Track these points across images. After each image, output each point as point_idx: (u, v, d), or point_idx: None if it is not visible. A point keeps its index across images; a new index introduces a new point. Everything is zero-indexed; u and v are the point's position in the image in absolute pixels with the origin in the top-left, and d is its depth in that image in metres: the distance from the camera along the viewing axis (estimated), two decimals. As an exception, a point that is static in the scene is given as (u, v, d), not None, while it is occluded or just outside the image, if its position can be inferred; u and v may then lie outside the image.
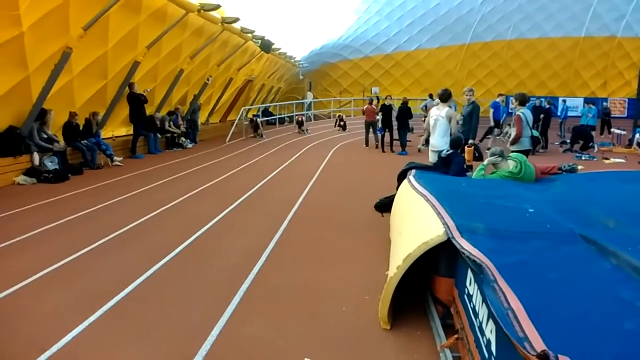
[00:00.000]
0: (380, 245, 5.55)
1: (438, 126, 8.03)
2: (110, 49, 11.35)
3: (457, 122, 8.70)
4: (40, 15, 8.78)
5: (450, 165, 6.54)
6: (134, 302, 4.14)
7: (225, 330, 3.64)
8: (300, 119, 23.07)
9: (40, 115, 10.17)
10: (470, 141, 8.13)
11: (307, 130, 22.48)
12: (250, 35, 18.18)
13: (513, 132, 8.34)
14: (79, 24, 9.83)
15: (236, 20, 15.71)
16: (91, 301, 4.08)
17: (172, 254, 5.37)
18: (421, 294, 4.11)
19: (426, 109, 17.50)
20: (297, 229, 6.55)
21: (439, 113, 8.06)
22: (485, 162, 5.98)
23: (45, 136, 10.26)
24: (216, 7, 13.69)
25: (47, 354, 3.28)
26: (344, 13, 32.85)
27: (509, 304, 2.23)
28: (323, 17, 32.72)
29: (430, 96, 18.45)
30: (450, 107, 8.17)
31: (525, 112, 8.17)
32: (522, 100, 8.42)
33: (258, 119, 20.80)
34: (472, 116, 8.85)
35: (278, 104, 28.87)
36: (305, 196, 8.64)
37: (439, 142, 8.05)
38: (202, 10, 13.52)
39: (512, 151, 7.36)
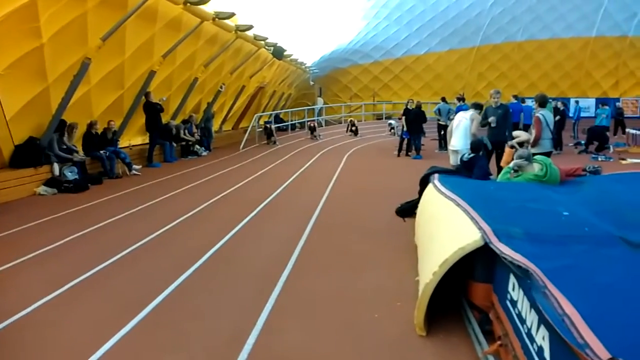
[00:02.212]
0: (405, 251, 5.53)
1: (461, 127, 8.40)
2: (127, 58, 11.45)
3: (490, 124, 8.81)
4: (59, 26, 8.87)
5: (473, 168, 6.52)
6: (166, 312, 4.13)
7: (260, 339, 3.62)
8: (312, 124, 23.10)
9: (60, 127, 10.25)
10: (510, 142, 8.24)
11: (319, 136, 22.48)
12: (262, 42, 18.27)
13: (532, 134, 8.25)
14: (97, 35, 9.92)
15: (249, 27, 15.81)
16: (124, 311, 4.08)
17: (199, 262, 5.36)
18: (452, 299, 4.06)
19: (439, 112, 17.41)
20: (320, 235, 6.54)
21: (464, 115, 8.46)
22: (511, 165, 5.94)
23: (65, 147, 10.35)
24: (231, 15, 13.80)
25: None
26: (354, 19, 32.84)
27: (562, 309, 2.19)
28: (333, 23, 32.64)
29: (443, 99, 18.25)
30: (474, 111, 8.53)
31: (545, 114, 8.05)
32: (542, 101, 8.32)
33: (272, 126, 20.80)
34: (506, 118, 8.98)
35: (290, 110, 28.89)
36: (324, 202, 8.63)
37: (459, 142, 8.37)
38: (216, 19, 13.61)
39: (534, 154, 7.29)
